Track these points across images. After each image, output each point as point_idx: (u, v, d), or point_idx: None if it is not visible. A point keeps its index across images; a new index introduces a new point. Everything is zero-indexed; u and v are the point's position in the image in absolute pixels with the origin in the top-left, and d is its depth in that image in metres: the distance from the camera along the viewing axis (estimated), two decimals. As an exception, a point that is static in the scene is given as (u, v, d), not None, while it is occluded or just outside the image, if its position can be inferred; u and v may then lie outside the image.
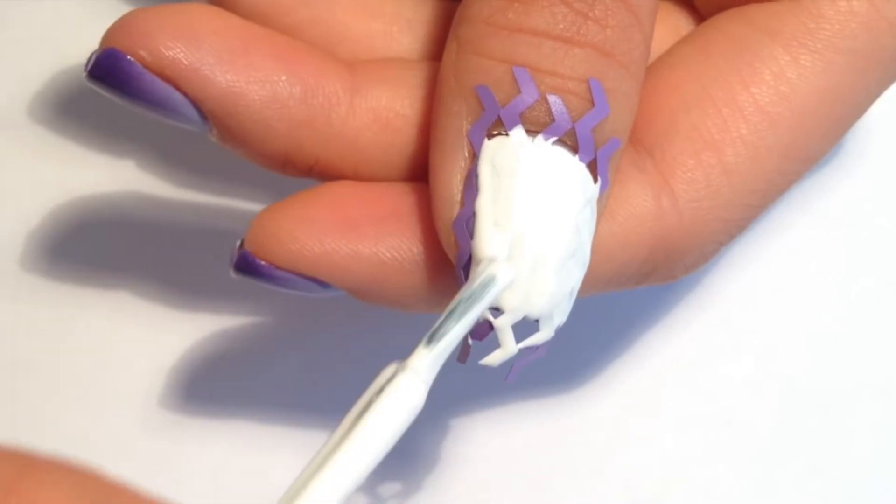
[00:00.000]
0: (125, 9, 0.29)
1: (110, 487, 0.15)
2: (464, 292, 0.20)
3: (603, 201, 0.21)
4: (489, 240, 0.20)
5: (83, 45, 0.29)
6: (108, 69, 0.20)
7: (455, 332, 0.19)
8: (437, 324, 0.19)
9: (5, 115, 0.29)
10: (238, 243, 0.22)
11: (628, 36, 0.20)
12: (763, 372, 0.30)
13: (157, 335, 0.29)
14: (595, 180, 0.20)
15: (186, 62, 0.20)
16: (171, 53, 0.20)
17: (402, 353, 0.19)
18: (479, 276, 0.20)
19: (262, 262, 0.21)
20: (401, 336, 0.25)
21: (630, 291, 0.25)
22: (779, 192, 0.23)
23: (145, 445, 0.28)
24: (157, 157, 0.29)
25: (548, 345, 0.21)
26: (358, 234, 0.21)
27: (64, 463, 0.15)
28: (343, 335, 0.29)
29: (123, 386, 0.29)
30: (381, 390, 0.18)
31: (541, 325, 0.20)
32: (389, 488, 0.29)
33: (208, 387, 0.29)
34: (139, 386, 0.29)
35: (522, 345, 0.20)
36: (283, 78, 0.21)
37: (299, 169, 0.22)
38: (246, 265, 0.21)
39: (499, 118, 0.20)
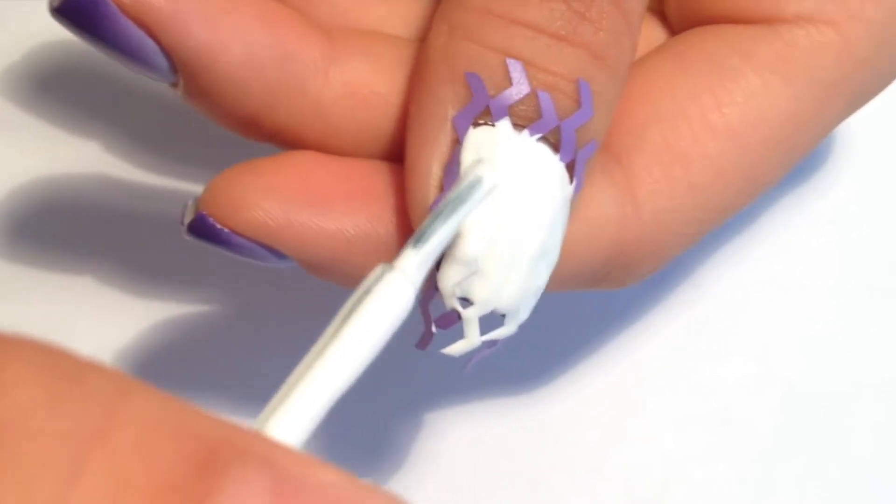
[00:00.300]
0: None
1: (82, 363, 0.14)
2: (451, 193, 0.19)
3: (573, 203, 0.21)
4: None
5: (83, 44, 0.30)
6: (80, 6, 0.19)
7: (442, 232, 0.19)
8: (423, 225, 0.19)
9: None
10: (191, 204, 0.21)
11: (619, 41, 0.20)
12: (763, 372, 0.30)
13: (117, 319, 0.29)
14: (571, 181, 0.20)
15: (167, 10, 0.19)
16: None
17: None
18: (466, 177, 0.20)
19: (221, 227, 0.20)
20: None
21: (630, 289, 0.25)
22: (732, 213, 0.24)
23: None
24: (122, 139, 0.29)
25: (506, 340, 0.21)
26: (326, 209, 0.21)
27: (32, 339, 0.14)
28: (320, 319, 0.29)
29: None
30: (368, 291, 0.17)
31: (506, 319, 0.20)
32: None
33: (171, 372, 0.29)
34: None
35: (486, 338, 0.20)
36: (264, 40, 0.20)
37: (264, 133, 0.22)
38: (204, 228, 0.21)
39: (487, 108, 0.20)
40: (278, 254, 0.21)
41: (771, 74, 0.23)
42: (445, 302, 0.20)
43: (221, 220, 0.20)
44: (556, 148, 0.20)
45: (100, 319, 0.29)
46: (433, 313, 0.20)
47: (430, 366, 0.29)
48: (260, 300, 0.29)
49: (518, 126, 0.20)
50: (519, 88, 0.20)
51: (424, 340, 0.21)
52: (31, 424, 0.13)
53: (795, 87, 0.23)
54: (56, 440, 0.13)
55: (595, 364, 0.30)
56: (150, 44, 0.20)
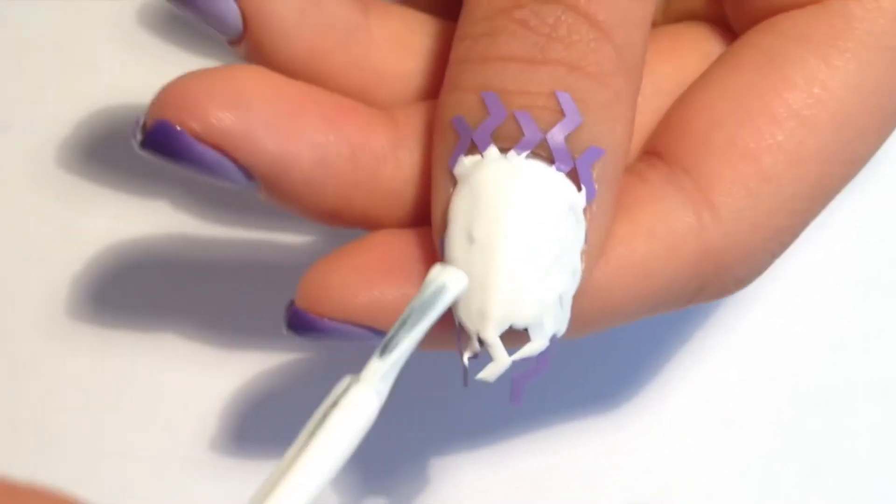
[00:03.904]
0: (125, 8, 0.29)
1: None
2: (415, 301, 0.20)
3: (603, 211, 0.21)
4: (462, 252, 0.20)
5: (83, 45, 0.30)
6: (161, 141, 0.20)
7: (408, 342, 0.19)
8: (389, 334, 0.19)
9: (32, 152, 0.29)
10: (289, 302, 0.22)
11: (595, 48, 0.21)
12: (763, 372, 0.30)
13: (203, 377, 0.29)
14: (579, 188, 0.20)
15: (237, 131, 0.20)
16: (222, 124, 0.20)
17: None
18: (429, 284, 0.20)
19: (314, 316, 0.21)
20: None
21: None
22: (828, 196, 0.23)
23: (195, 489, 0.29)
24: (192, 196, 0.29)
25: (548, 357, 0.20)
26: (404, 278, 0.21)
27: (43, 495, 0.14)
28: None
29: (173, 429, 0.29)
30: (335, 403, 0.18)
31: (531, 334, 0.20)
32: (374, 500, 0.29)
33: (257, 427, 0.29)
34: (187, 428, 0.29)
35: (516, 356, 0.20)
36: (332, 139, 0.21)
37: (348, 222, 0.22)
38: (298, 321, 0.21)
39: (472, 142, 0.20)
40: (375, 331, 0.21)
41: (829, 50, 0.22)
42: (463, 326, 0.20)
43: (313, 308, 0.21)
44: (550, 160, 0.20)
45: (188, 377, 0.29)
46: (463, 347, 0.21)
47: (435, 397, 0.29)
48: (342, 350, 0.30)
49: (505, 149, 0.20)
50: (497, 115, 0.20)
51: (465, 376, 0.21)
52: None
53: (859, 57, 0.22)
54: None
55: (596, 365, 0.30)
56: (227, 163, 0.21)
